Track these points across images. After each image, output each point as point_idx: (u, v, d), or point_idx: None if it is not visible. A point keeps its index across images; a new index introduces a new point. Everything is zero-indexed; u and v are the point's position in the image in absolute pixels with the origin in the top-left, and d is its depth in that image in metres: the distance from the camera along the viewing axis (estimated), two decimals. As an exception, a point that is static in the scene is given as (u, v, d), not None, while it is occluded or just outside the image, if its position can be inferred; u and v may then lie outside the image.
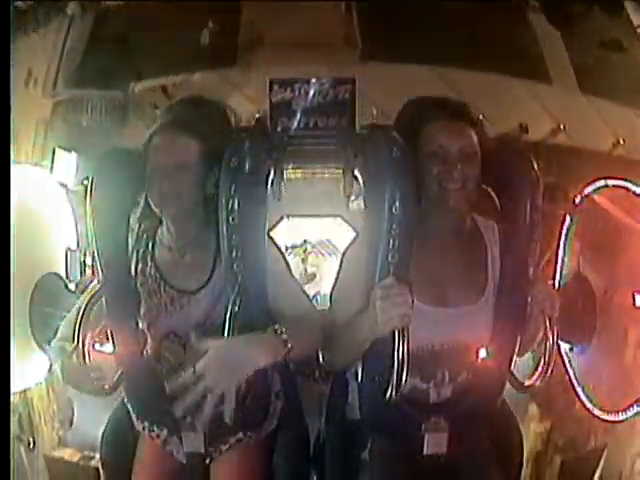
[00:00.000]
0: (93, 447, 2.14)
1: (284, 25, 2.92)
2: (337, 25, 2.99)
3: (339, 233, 2.82)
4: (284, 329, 1.24)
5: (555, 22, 3.13)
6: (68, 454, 2.37)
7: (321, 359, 1.42)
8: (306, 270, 2.87)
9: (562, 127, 2.86)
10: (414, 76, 2.80)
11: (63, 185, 2.20)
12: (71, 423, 2.36)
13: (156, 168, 1.30)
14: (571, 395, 1.75)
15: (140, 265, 1.40)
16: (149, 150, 1.33)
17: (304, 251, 2.87)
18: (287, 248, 2.80)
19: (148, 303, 1.39)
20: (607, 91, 3.01)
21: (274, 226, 2.67)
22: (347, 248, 1.43)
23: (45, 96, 3.06)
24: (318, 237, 2.85)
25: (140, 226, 1.41)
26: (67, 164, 2.37)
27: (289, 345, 1.22)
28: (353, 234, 1.58)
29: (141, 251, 1.40)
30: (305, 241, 2.84)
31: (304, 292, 1.45)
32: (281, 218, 2.75)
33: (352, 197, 2.42)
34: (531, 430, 2.34)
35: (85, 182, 1.34)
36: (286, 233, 2.79)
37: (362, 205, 1.44)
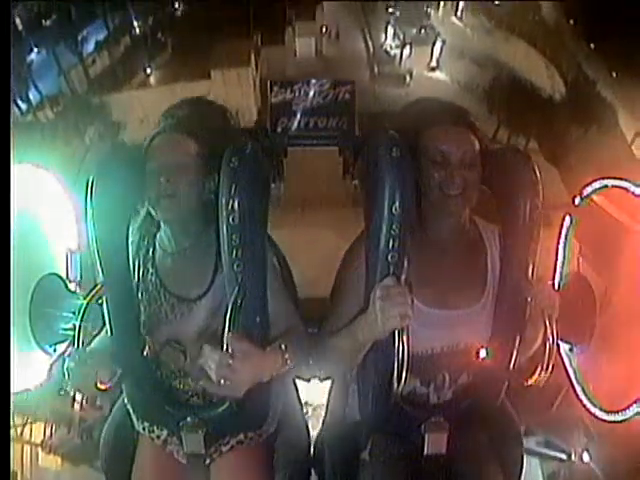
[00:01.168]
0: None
1: None
2: None
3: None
4: (286, 346, 1.27)
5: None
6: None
7: (321, 362, 1.42)
8: None
9: None
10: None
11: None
12: None
13: (155, 168, 1.30)
14: None
15: (141, 271, 1.39)
16: (149, 151, 1.33)
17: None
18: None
19: (148, 310, 1.39)
20: None
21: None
22: (347, 249, 1.44)
23: None
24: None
25: (141, 229, 1.41)
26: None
27: (289, 363, 1.27)
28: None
29: (142, 256, 1.40)
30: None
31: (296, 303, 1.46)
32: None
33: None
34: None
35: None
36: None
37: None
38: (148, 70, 16.06)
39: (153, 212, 1.33)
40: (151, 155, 1.32)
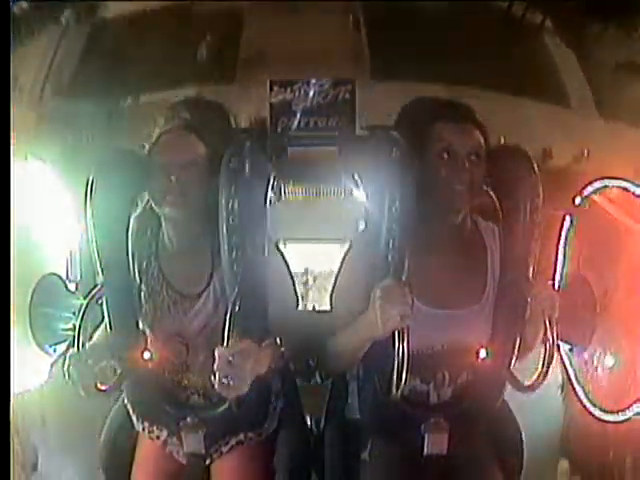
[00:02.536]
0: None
1: (287, 41, 2.78)
2: (345, 41, 2.87)
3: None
4: (282, 340, 1.29)
5: (570, 43, 3.08)
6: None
7: (321, 362, 1.42)
8: (305, 308, 2.32)
9: (585, 153, 2.72)
10: (427, 94, 2.71)
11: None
12: (35, 468, 2.21)
13: (162, 165, 1.30)
14: (603, 448, 1.70)
15: (144, 265, 1.40)
16: (155, 149, 1.33)
17: (304, 284, 2.34)
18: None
19: (150, 304, 1.39)
20: (626, 115, 2.89)
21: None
22: (347, 249, 1.44)
23: (30, 107, 2.90)
24: (322, 267, 2.27)
25: (142, 227, 1.41)
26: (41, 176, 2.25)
27: (285, 357, 1.30)
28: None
29: (144, 252, 1.40)
30: (306, 270, 2.31)
31: (297, 297, 1.46)
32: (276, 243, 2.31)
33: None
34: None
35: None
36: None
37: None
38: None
39: (158, 210, 1.33)
40: (158, 153, 1.32)
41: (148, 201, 1.37)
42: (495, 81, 2.77)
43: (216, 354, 1.18)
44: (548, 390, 1.41)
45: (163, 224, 1.39)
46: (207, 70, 2.88)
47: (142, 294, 1.39)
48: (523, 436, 1.55)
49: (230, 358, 1.16)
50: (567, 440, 2.09)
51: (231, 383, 1.17)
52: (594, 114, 3.00)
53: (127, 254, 1.38)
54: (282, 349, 1.29)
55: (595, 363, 1.58)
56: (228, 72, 2.86)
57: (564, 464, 2.25)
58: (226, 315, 1.26)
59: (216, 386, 1.19)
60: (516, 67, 2.90)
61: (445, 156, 1.29)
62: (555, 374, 1.56)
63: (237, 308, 1.27)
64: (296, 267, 2.25)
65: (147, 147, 1.35)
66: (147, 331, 1.40)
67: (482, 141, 1.32)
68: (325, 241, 2.25)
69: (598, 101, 3.01)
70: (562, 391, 1.97)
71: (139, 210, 1.40)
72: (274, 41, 2.86)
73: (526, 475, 1.50)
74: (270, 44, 2.85)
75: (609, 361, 1.55)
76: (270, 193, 1.35)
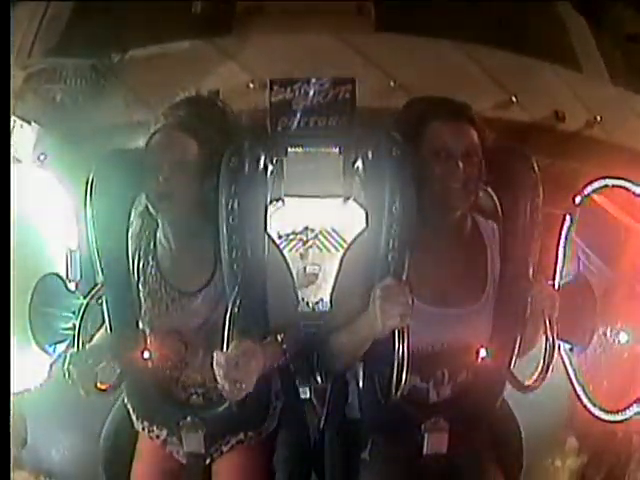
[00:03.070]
0: (49, 471, 2.04)
1: None
2: None
3: (348, 220, 2.10)
4: (282, 337, 1.30)
5: (582, 10, 3.05)
6: (23, 477, 2.14)
7: (321, 362, 1.42)
8: (305, 270, 2.24)
9: (598, 119, 2.66)
10: (433, 49, 2.56)
11: (17, 160, 1.93)
12: (25, 442, 2.14)
13: (154, 165, 1.30)
14: (610, 427, 1.70)
15: (142, 264, 1.40)
16: (148, 148, 1.33)
17: (304, 243, 2.23)
18: (281, 237, 2.17)
19: (149, 302, 1.39)
20: (638, 83, 2.88)
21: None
22: (346, 249, 1.44)
23: (18, 66, 2.74)
24: (321, 224, 2.17)
25: (140, 226, 1.41)
26: (25, 137, 2.09)
27: (287, 355, 1.30)
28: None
29: (142, 250, 1.40)
30: (306, 228, 2.19)
31: (297, 296, 1.47)
32: (276, 200, 2.07)
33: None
34: (567, 465, 2.21)
35: (41, 157, 1.29)
36: (281, 217, 2.14)
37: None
38: None
39: (152, 210, 1.33)
40: (150, 153, 1.32)
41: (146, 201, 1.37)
42: (507, 40, 2.70)
43: (222, 360, 1.18)
44: (556, 366, 1.40)
45: (160, 223, 1.39)
46: (202, 22, 2.78)
47: (141, 293, 1.39)
48: (523, 435, 1.56)
49: (236, 361, 1.17)
50: (575, 418, 2.06)
51: (243, 386, 1.18)
52: (606, 81, 2.96)
53: (127, 254, 1.39)
54: (283, 346, 1.30)
55: (595, 363, 1.58)
56: (224, 24, 2.77)
57: (572, 442, 2.23)
58: (226, 314, 1.26)
59: (225, 392, 1.20)
60: (528, 29, 2.85)
61: (439, 155, 1.29)
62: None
63: (237, 307, 1.27)
64: (296, 225, 2.20)
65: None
66: (147, 330, 1.40)
67: (477, 139, 1.32)
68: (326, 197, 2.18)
69: (610, 68, 2.98)
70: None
71: (138, 209, 1.40)
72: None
73: (534, 450, 1.47)
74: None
75: (609, 361, 1.56)
76: (270, 193, 1.35)
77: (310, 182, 2.08)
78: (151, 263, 1.40)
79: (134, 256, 1.40)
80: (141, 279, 1.39)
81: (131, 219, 1.40)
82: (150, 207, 1.33)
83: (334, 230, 2.19)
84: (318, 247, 2.22)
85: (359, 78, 1.96)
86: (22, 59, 2.84)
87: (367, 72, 2.32)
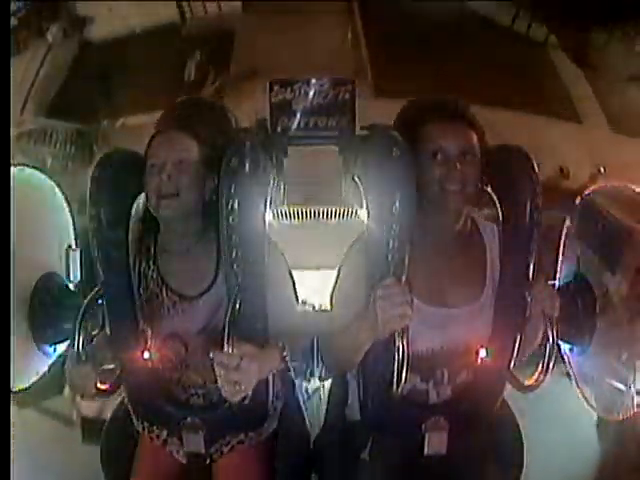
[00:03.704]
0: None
1: (282, 57, 2.67)
2: (344, 58, 2.77)
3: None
4: (284, 344, 1.28)
5: (575, 58, 3.04)
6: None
7: (322, 362, 1.42)
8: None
9: (602, 170, 2.67)
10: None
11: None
12: None
13: (156, 166, 1.30)
14: None
15: (142, 268, 1.40)
16: (149, 149, 1.33)
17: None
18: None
19: (149, 305, 1.39)
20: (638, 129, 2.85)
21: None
22: (347, 249, 1.44)
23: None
24: (322, 299, 1.92)
25: (141, 230, 1.41)
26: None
27: (287, 360, 1.28)
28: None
29: (143, 254, 1.40)
30: (304, 303, 1.98)
31: (297, 296, 1.46)
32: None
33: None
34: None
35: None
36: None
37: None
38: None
39: (153, 211, 1.33)
40: (152, 153, 1.32)
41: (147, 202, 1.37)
42: (504, 99, 2.72)
43: (223, 361, 1.18)
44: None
45: (161, 225, 1.39)
46: (195, 89, 2.81)
47: (141, 295, 1.39)
48: (523, 435, 1.56)
49: (237, 363, 1.17)
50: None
51: (243, 388, 1.18)
52: (605, 128, 2.95)
53: (127, 254, 1.38)
54: (284, 351, 1.29)
55: (595, 362, 1.58)
56: (217, 92, 2.81)
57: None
58: (226, 315, 1.26)
59: (225, 393, 1.20)
60: (524, 85, 2.85)
61: (437, 157, 1.29)
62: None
63: (237, 308, 1.27)
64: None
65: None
66: (147, 331, 1.40)
67: (476, 140, 1.31)
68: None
69: (609, 115, 2.96)
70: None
71: (139, 212, 1.40)
72: (267, 58, 2.78)
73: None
74: (263, 61, 2.77)
75: (609, 361, 1.55)
76: (270, 193, 1.35)
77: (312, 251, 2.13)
78: (152, 267, 1.40)
79: (135, 260, 1.40)
80: (142, 282, 1.39)
81: (132, 220, 1.40)
82: (151, 208, 1.33)
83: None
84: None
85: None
86: (15, 115, 2.81)
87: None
